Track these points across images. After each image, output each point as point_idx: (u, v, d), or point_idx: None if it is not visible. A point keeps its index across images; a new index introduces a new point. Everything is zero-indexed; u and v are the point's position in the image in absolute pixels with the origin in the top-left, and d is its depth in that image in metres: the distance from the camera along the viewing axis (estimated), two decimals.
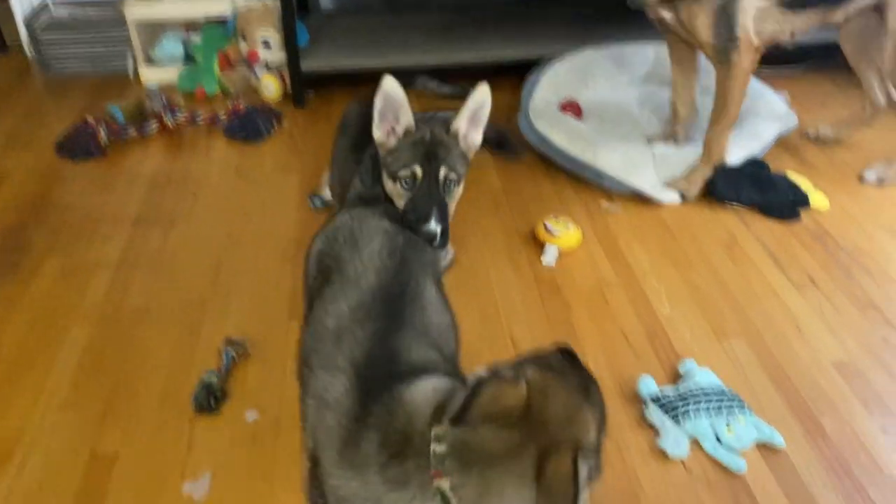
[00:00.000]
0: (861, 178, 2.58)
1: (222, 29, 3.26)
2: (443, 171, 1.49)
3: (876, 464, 1.60)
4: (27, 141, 2.88)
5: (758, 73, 2.92)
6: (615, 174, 2.47)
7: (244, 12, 3.17)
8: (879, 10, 2.39)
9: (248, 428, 1.67)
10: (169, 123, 2.86)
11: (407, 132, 1.50)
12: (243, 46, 3.16)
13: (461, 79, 3.06)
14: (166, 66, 3.31)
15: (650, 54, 3.08)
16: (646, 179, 2.46)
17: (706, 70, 2.48)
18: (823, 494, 1.53)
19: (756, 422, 1.65)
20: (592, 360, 1.84)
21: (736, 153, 2.52)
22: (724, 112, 2.35)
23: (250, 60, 3.15)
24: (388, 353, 1.10)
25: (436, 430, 0.94)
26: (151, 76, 3.30)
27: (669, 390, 1.71)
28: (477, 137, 1.55)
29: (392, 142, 1.52)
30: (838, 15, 2.35)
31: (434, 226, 1.45)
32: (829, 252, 2.24)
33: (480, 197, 2.47)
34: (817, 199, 2.47)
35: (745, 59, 2.24)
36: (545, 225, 2.24)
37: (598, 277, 2.14)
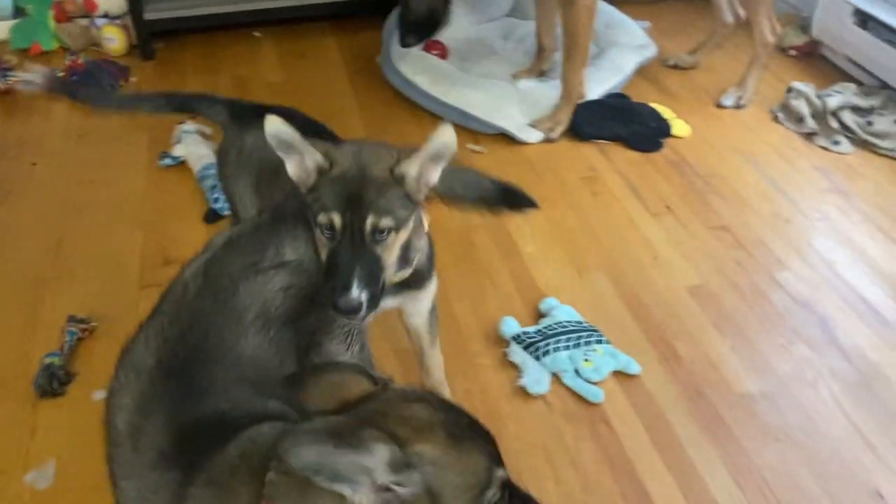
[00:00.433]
0: (718, 104, 2.65)
1: None
2: (370, 220, 1.13)
3: (726, 382, 1.67)
4: None
5: (619, 2, 2.94)
6: (480, 114, 2.43)
7: None
8: None
9: (96, 408, 1.55)
10: (0, 85, 2.62)
11: (321, 169, 1.16)
12: None
13: (327, 26, 2.89)
14: None
15: None
16: (511, 119, 2.44)
17: None
18: (677, 417, 1.59)
19: (613, 352, 1.69)
20: (458, 305, 1.83)
21: (597, 88, 2.52)
22: (574, 49, 2.33)
23: (88, 10, 2.90)
24: (195, 430, 0.97)
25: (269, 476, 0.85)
26: None
27: (531, 329, 1.73)
28: (433, 176, 1.20)
29: (312, 178, 1.17)
30: None
31: (356, 293, 1.12)
32: (686, 179, 2.30)
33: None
34: (679, 126, 2.52)
35: None
36: None
37: (465, 220, 2.11)
